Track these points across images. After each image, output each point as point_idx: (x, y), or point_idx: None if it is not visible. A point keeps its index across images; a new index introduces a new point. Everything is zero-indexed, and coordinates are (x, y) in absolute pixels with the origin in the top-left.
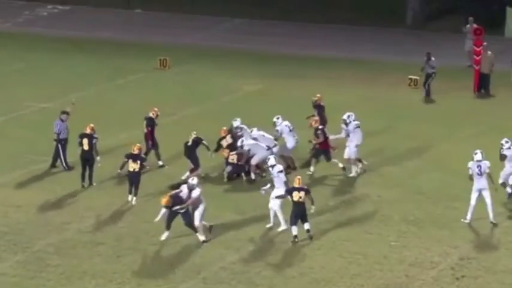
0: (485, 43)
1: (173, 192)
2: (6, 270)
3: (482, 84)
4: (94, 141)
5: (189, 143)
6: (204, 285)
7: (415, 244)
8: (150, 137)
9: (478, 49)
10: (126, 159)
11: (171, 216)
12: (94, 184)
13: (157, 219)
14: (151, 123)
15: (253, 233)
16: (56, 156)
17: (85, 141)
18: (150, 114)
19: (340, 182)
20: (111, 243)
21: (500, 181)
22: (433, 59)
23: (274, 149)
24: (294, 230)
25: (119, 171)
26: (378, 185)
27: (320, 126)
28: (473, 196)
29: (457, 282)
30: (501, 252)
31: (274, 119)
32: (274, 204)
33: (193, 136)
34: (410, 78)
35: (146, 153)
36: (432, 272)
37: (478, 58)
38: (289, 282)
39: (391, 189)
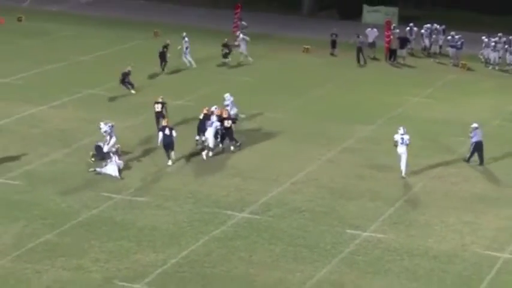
0: (397, 30)
1: None
2: None
3: (392, 56)
4: None
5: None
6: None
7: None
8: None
9: (388, 33)
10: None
11: None
12: None
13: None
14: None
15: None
16: None
17: None
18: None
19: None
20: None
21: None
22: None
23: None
24: None
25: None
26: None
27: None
28: None
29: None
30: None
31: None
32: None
33: (160, 100)
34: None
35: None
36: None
37: (388, 39)
38: None
39: None
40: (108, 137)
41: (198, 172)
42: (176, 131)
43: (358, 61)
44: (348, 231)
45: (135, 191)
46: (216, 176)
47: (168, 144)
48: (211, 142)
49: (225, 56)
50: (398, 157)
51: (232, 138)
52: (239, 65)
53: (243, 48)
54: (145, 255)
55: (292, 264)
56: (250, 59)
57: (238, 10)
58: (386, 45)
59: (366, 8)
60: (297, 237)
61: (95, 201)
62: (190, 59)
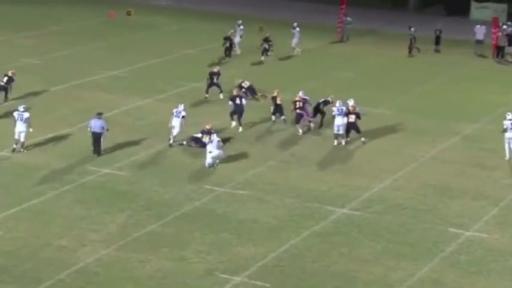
0: (504, 26)
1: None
2: None
3: (499, 53)
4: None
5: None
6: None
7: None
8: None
9: (495, 30)
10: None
11: None
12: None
13: None
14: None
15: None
16: None
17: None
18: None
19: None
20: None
21: None
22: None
23: None
24: None
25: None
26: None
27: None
28: None
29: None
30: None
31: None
32: None
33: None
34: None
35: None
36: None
37: (495, 36)
38: None
39: None
40: (175, 118)
41: (299, 167)
42: (246, 99)
43: (410, 52)
44: (451, 229)
45: (237, 184)
46: (318, 171)
47: (239, 112)
48: (342, 129)
49: (265, 51)
50: (505, 142)
51: (358, 131)
52: (338, 60)
53: (295, 41)
54: (245, 248)
55: (393, 261)
56: (298, 50)
57: (344, 6)
58: (494, 42)
59: (474, 4)
60: (398, 234)
61: (198, 194)
62: (237, 45)
